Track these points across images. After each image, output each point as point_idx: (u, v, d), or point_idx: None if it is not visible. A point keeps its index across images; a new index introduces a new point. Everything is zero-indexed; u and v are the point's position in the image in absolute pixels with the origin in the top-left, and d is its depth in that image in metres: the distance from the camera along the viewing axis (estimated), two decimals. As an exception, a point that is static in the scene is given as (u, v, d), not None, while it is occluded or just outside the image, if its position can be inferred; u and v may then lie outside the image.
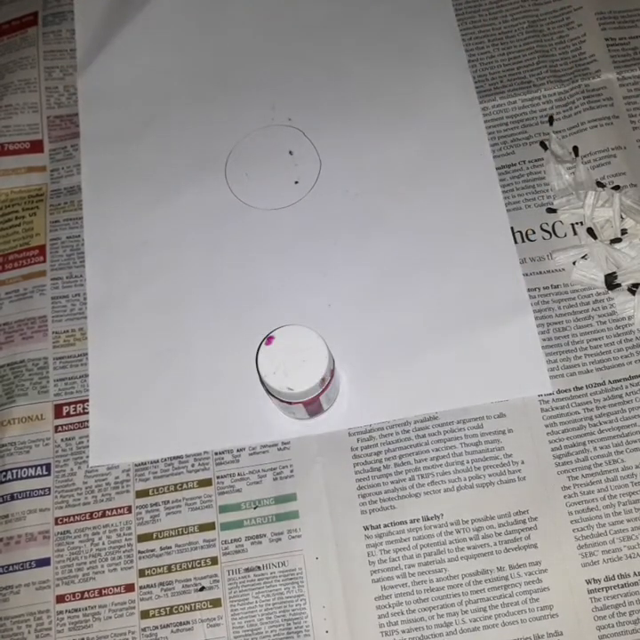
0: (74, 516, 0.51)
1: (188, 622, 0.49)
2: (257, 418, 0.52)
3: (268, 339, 0.46)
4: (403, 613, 0.47)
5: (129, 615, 0.49)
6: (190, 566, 0.50)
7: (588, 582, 0.47)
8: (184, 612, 0.49)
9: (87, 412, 0.53)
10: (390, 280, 0.54)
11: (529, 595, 0.47)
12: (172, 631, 0.48)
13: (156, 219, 0.57)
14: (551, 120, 0.57)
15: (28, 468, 0.52)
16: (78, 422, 0.53)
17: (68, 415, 0.53)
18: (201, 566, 0.49)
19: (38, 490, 0.51)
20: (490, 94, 0.58)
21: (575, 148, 0.55)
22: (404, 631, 0.47)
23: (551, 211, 0.55)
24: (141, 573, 0.50)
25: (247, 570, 0.49)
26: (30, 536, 0.51)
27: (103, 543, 0.50)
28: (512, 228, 0.54)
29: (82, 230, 0.57)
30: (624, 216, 0.53)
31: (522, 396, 0.51)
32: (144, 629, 0.49)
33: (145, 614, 0.49)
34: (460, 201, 0.55)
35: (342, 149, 0.57)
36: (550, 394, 0.50)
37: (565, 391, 0.51)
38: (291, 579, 0.49)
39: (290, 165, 0.58)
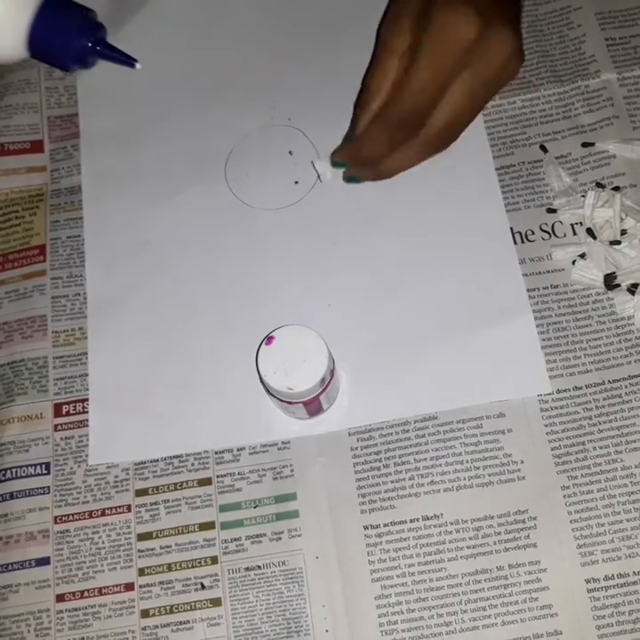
0: (73, 514, 0.51)
1: (188, 621, 0.49)
2: (257, 418, 0.52)
3: (268, 339, 0.46)
4: (402, 612, 0.47)
5: (129, 614, 0.49)
6: (190, 565, 0.50)
7: (588, 582, 0.47)
8: (184, 611, 0.49)
9: (87, 411, 0.53)
10: (390, 280, 0.54)
11: (528, 594, 0.47)
12: (172, 630, 0.48)
13: (156, 219, 0.57)
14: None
15: (27, 466, 0.52)
16: (78, 421, 0.53)
17: (68, 414, 0.53)
18: (201, 565, 0.49)
19: (37, 489, 0.51)
20: (489, 94, 0.58)
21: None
22: (403, 630, 0.47)
23: (551, 211, 0.55)
24: (141, 572, 0.50)
25: (247, 569, 0.49)
26: (30, 535, 0.51)
27: (103, 542, 0.50)
28: (511, 229, 0.55)
29: (82, 230, 0.57)
30: (624, 216, 0.53)
31: (521, 396, 0.51)
32: (144, 628, 0.49)
33: (145, 613, 0.49)
34: (459, 201, 0.55)
35: (342, 149, 0.57)
36: (550, 394, 0.51)
37: (565, 391, 0.51)
38: (291, 578, 0.49)
39: (290, 165, 0.58)
